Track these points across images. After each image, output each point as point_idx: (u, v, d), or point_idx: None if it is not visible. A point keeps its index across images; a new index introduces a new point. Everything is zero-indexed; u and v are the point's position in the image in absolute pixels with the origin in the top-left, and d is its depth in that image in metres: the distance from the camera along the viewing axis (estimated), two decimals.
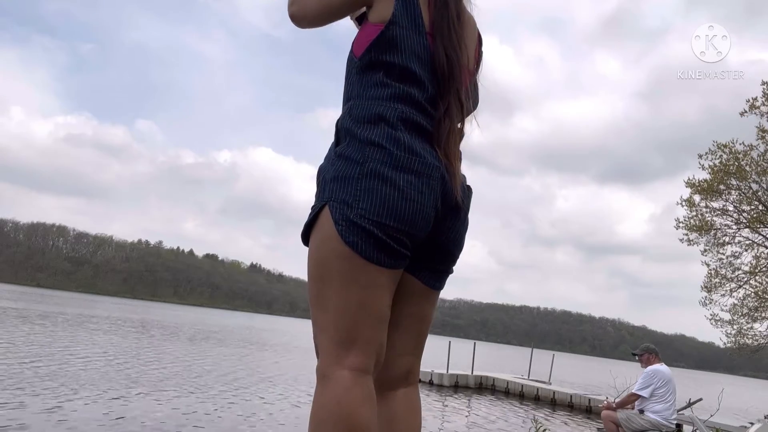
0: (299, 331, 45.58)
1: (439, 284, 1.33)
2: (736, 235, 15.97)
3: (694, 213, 16.02)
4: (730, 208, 15.81)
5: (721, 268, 16.24)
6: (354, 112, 1.23)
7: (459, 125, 1.31)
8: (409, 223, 1.14)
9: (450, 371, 14.52)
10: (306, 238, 1.23)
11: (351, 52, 1.31)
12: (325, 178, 1.20)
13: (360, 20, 1.38)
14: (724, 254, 16.19)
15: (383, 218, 1.12)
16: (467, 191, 1.32)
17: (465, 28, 1.35)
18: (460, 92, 1.29)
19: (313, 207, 1.21)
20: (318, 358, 1.19)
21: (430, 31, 1.29)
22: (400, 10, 1.25)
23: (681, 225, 16.33)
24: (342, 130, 1.24)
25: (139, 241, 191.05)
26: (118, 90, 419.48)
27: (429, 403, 10.36)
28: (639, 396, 5.74)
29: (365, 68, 1.26)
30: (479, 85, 1.44)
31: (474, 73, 1.42)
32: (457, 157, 1.29)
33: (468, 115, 1.36)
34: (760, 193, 15.19)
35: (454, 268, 1.36)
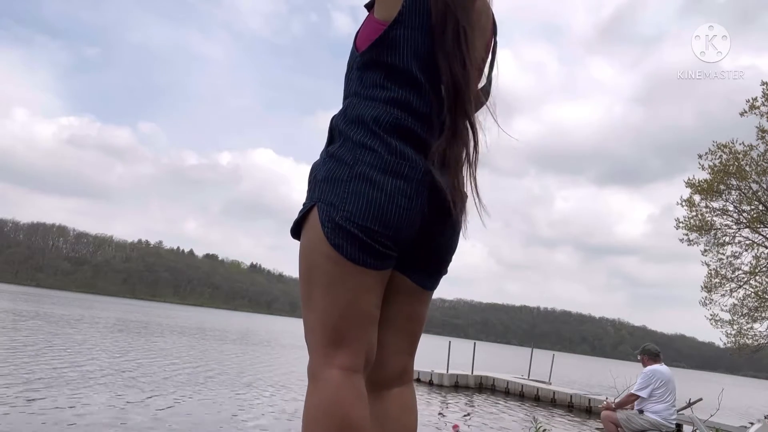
0: (299, 332, 45.51)
1: (432, 285, 1.33)
2: (736, 235, 15.96)
3: (694, 213, 16.00)
4: (730, 208, 15.80)
5: (721, 268, 16.22)
6: (349, 111, 1.21)
7: (473, 144, 1.24)
8: (394, 227, 1.13)
9: (450, 371, 14.48)
10: (296, 234, 1.23)
11: (354, 44, 1.26)
12: (316, 177, 1.20)
13: (368, 6, 1.30)
14: (724, 254, 16.17)
15: (368, 222, 1.11)
16: (463, 198, 1.25)
17: (477, 21, 1.26)
18: (469, 110, 1.21)
19: (303, 205, 1.21)
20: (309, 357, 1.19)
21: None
22: (410, 6, 1.18)
23: (681, 225, 16.31)
24: (336, 129, 1.23)
25: (139, 241, 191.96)
26: (121, 92, 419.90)
27: (429, 402, 10.35)
28: (638, 396, 5.74)
29: (366, 66, 1.22)
30: (493, 76, 1.35)
31: (483, 69, 1.34)
32: (462, 174, 1.24)
33: (478, 112, 1.28)
34: (760, 193, 15.18)
35: (447, 269, 1.35)
